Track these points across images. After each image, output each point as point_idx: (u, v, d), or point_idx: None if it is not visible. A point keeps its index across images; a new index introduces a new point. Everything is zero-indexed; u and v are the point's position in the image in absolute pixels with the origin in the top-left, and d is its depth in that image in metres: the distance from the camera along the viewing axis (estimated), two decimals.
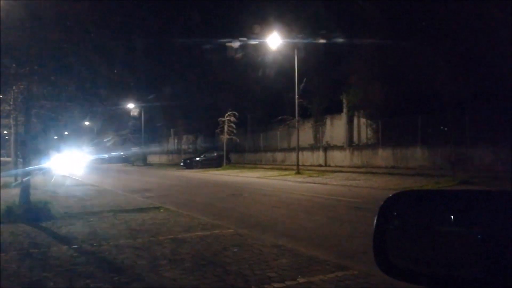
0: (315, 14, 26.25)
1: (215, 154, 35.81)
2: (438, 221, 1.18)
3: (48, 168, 23.17)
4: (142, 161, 49.20)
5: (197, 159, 35.75)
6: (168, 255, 5.41)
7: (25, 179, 8.62)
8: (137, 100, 48.05)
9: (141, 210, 9.65)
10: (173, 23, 40.31)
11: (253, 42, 24.43)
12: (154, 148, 57.79)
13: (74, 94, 12.76)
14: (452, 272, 1.10)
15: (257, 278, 4.41)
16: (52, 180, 19.28)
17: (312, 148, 30.59)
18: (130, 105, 48.75)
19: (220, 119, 32.92)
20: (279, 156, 34.14)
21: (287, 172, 23.83)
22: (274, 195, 13.36)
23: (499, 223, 1.04)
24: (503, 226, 1.03)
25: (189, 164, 34.91)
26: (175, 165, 40.34)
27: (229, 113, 32.35)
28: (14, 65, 9.08)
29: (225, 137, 32.80)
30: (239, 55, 26.71)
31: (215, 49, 31.63)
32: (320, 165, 28.47)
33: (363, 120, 27.47)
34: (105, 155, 51.73)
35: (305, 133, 30.90)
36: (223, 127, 32.80)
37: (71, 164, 37.74)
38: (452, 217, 1.14)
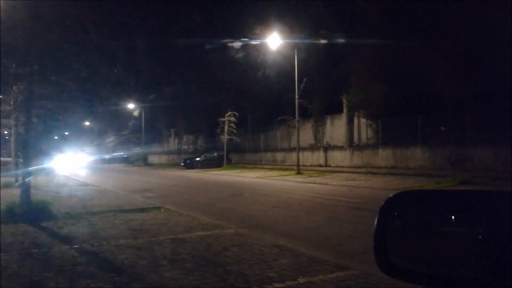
0: (315, 14, 26.26)
1: (216, 154, 35.81)
2: (438, 221, 1.18)
3: (50, 168, 23.19)
4: (143, 161, 49.23)
5: (197, 159, 35.75)
6: (169, 255, 5.41)
7: (26, 179, 8.62)
8: (137, 100, 48.13)
9: (141, 210, 9.66)
10: (174, 24, 40.33)
11: (253, 42, 24.45)
12: (155, 148, 57.84)
13: (75, 94, 12.77)
14: (453, 272, 1.10)
15: (257, 278, 4.42)
16: (54, 180, 19.30)
17: (313, 148, 30.59)
18: (131, 105, 48.79)
19: (220, 119, 32.93)
20: (279, 156, 34.14)
21: (287, 172, 23.83)
22: (274, 195, 13.37)
23: (500, 223, 1.04)
24: (503, 227, 1.03)
25: (190, 164, 34.91)
26: (176, 165, 40.35)
27: (229, 113, 32.35)
28: (14, 65, 9.08)
29: (225, 137, 32.81)
30: (239, 55, 26.73)
31: (215, 49, 31.69)
32: (321, 165, 28.47)
33: (363, 120, 27.47)
34: (106, 155, 51.74)
35: (306, 133, 30.91)
36: (223, 127, 32.80)
37: (72, 165, 37.76)
38: (452, 217, 1.15)
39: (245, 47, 26.13)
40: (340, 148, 28.18)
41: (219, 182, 20.23)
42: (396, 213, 1.24)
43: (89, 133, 61.97)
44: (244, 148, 38.07)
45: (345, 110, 28.33)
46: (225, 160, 33.63)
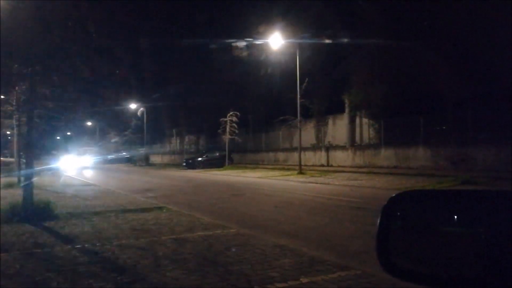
0: (316, 15, 26.25)
1: (217, 154, 35.81)
2: (441, 221, 1.18)
3: (54, 168, 23.27)
4: (145, 161, 49.30)
5: (199, 159, 35.78)
6: (171, 255, 5.41)
7: (29, 179, 8.64)
8: (139, 100, 48.18)
9: (143, 210, 9.67)
10: (175, 24, 40.33)
11: (254, 42, 24.46)
12: (156, 148, 57.92)
13: (77, 95, 12.81)
14: (455, 272, 1.10)
15: (259, 278, 4.41)
16: (61, 180, 19.37)
17: (314, 148, 30.58)
18: (133, 105, 48.85)
19: (222, 119, 32.93)
20: (281, 156, 34.14)
21: (289, 172, 23.83)
22: (276, 195, 13.37)
23: (503, 223, 1.04)
24: (506, 227, 1.03)
25: (191, 164, 34.94)
26: (177, 165, 40.38)
27: (231, 113, 32.35)
28: (16, 65, 9.10)
29: (227, 137, 32.81)
30: (241, 55, 26.74)
31: (217, 49, 31.69)
32: (322, 165, 28.46)
33: (365, 120, 27.44)
34: (107, 156, 51.83)
35: (307, 133, 30.90)
36: (225, 127, 32.81)
37: (74, 165, 37.84)
38: (455, 217, 1.14)
39: (246, 47, 26.13)
40: (342, 148, 28.17)
41: (220, 182, 20.24)
42: (398, 213, 1.24)
43: (91, 133, 62.15)
44: (246, 148, 38.08)
45: (347, 110, 28.31)
46: (227, 160, 33.64)
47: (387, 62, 22.86)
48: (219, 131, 33.82)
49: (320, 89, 28.26)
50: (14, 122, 16.94)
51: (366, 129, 27.52)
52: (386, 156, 24.05)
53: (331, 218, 8.81)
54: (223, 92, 36.64)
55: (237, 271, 4.64)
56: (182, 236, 6.61)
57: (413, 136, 22.38)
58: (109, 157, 51.63)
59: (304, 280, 4.33)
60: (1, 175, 17.48)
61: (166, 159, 54.28)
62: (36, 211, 8.23)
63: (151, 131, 52.17)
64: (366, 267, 4.65)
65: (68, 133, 64.70)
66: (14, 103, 14.82)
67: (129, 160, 51.10)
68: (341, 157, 27.67)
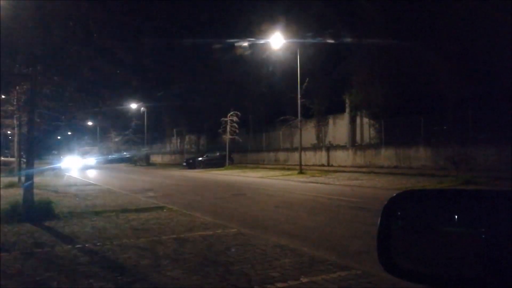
0: (317, 15, 26.25)
1: (218, 154, 35.82)
2: (441, 221, 1.18)
3: (56, 168, 23.31)
4: (145, 161, 49.32)
5: (200, 159, 35.79)
6: (171, 255, 5.42)
7: (30, 179, 8.64)
8: (140, 100, 48.18)
9: (144, 210, 9.67)
10: (176, 24, 40.32)
11: (255, 42, 24.44)
12: (157, 148, 57.95)
13: (77, 95, 12.81)
14: (456, 272, 1.10)
15: (259, 277, 4.42)
16: (64, 179, 19.38)
17: (315, 148, 30.58)
18: (133, 105, 48.88)
19: (222, 119, 32.93)
20: (281, 156, 34.14)
21: (289, 172, 23.83)
22: (276, 195, 13.37)
23: (503, 223, 1.04)
24: (506, 226, 1.03)
25: (192, 164, 34.95)
26: (178, 165, 40.40)
27: (231, 113, 32.35)
28: (17, 65, 9.11)
29: (227, 137, 32.81)
30: (242, 55, 26.73)
31: (218, 49, 31.65)
32: (323, 165, 28.46)
33: (365, 120, 27.44)
34: (108, 155, 51.87)
35: (308, 133, 30.90)
36: (225, 127, 32.81)
37: (74, 164, 37.88)
38: (456, 217, 1.15)
39: (247, 47, 26.12)
40: (343, 147, 28.17)
41: (221, 182, 20.24)
42: (399, 213, 1.24)
43: (92, 133, 62.17)
44: (246, 148, 38.09)
45: (347, 110, 28.32)
46: (227, 160, 33.65)
47: (388, 62, 22.85)
48: (220, 131, 33.82)
49: (320, 89, 28.26)
50: (15, 122, 16.96)
51: (366, 129, 27.52)
52: (386, 156, 24.05)
53: (332, 218, 8.81)
54: (224, 92, 36.64)
55: (238, 271, 4.64)
56: (183, 236, 6.62)
57: (413, 136, 22.37)
58: (110, 157, 51.66)
59: (304, 280, 4.33)
60: (2, 175, 17.50)
61: (166, 159, 54.31)
62: (36, 211, 8.23)
63: (152, 130, 52.20)
64: (366, 267, 4.65)
65: (69, 133, 64.74)
66: (15, 103, 14.85)
67: (129, 160, 51.12)
68: (341, 157, 27.67)
